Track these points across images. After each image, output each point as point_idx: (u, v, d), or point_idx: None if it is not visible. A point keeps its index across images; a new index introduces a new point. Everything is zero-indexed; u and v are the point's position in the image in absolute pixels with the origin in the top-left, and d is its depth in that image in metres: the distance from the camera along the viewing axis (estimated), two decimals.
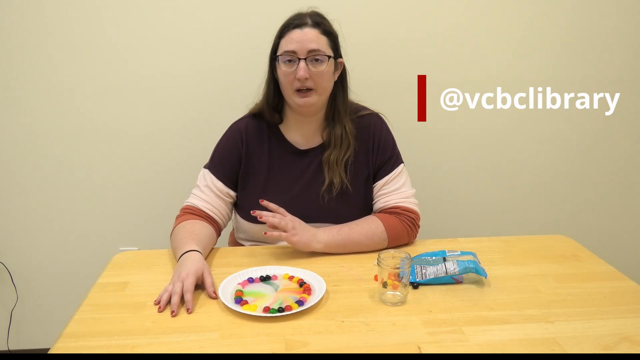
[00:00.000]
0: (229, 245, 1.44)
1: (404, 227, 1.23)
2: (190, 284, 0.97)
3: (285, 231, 1.13)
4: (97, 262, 1.17)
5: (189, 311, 0.94)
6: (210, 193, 1.26)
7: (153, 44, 1.60)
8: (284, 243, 1.21)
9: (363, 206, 1.30)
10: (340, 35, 1.25)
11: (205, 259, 1.13)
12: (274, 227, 1.14)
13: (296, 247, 1.15)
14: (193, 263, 1.03)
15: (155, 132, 1.68)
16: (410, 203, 1.27)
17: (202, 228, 1.19)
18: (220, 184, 1.27)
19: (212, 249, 1.22)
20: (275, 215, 1.15)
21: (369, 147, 1.29)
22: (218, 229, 1.28)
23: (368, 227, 1.21)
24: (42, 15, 1.55)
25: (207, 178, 1.27)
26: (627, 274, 1.09)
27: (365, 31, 1.63)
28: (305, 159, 1.28)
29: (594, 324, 0.91)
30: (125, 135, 1.68)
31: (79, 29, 1.57)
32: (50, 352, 0.84)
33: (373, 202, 1.31)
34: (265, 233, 1.13)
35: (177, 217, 1.25)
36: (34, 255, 1.76)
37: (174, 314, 0.93)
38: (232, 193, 1.29)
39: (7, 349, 1.85)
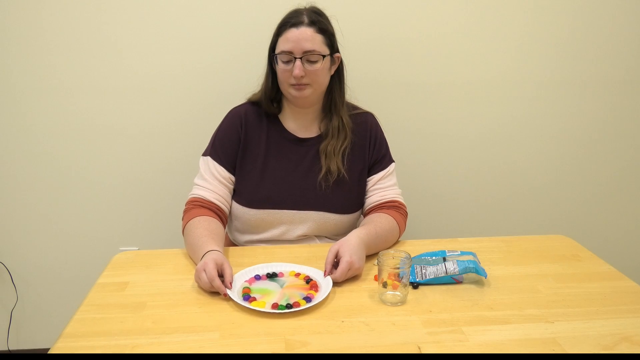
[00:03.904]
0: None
1: (404, 220, 1.29)
2: (212, 269, 0.98)
3: (348, 268, 1.05)
4: (97, 262, 1.17)
5: (225, 295, 0.97)
6: (214, 181, 1.27)
7: (151, 42, 1.60)
8: (283, 236, 1.27)
9: (356, 198, 1.32)
10: (338, 31, 1.28)
11: None
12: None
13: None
14: (213, 259, 1.01)
15: (155, 131, 1.68)
16: (402, 199, 1.33)
17: (217, 227, 1.19)
18: (221, 169, 1.28)
19: None
20: (341, 269, 1.04)
21: (365, 142, 1.32)
22: (225, 219, 1.29)
23: (387, 222, 1.23)
24: (40, 14, 1.55)
25: (210, 165, 1.28)
26: (627, 274, 1.10)
27: (362, 27, 1.62)
28: (303, 148, 1.31)
29: (594, 324, 0.91)
30: (125, 134, 1.67)
31: (76, 27, 1.57)
32: (50, 352, 0.83)
33: (367, 195, 1.33)
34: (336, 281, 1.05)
35: (185, 210, 1.25)
36: (34, 255, 1.76)
37: (226, 296, 0.97)
38: (233, 178, 1.30)
39: (7, 349, 1.85)
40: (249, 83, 1.37)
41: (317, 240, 1.31)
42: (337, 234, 1.32)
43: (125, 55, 1.61)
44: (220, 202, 1.26)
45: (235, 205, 1.30)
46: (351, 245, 1.07)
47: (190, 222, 1.19)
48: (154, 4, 1.57)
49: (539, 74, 1.73)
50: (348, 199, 1.30)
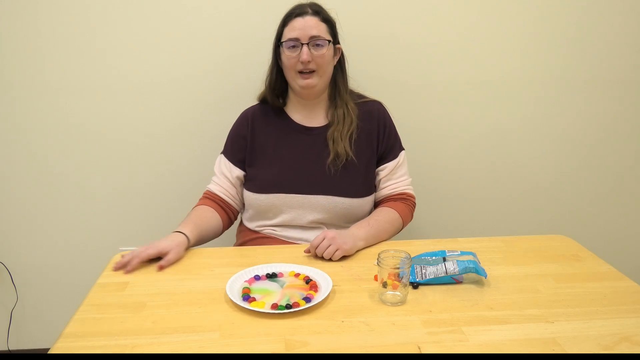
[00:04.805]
0: (237, 236, 1.46)
1: (410, 210, 1.37)
2: (142, 251, 1.11)
3: (330, 244, 1.14)
4: (97, 262, 1.17)
5: (125, 271, 1.09)
6: (221, 176, 1.38)
7: (151, 43, 1.60)
8: (294, 222, 1.32)
9: (364, 182, 1.35)
10: (338, 24, 1.35)
11: (201, 243, 1.27)
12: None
13: (348, 253, 1.16)
14: (167, 240, 1.15)
15: (155, 132, 1.68)
16: (412, 190, 1.40)
17: (209, 218, 1.31)
18: (230, 165, 1.38)
19: (218, 237, 1.37)
20: (314, 241, 1.16)
21: (372, 129, 1.36)
22: (232, 213, 1.39)
23: (387, 215, 1.30)
24: (36, 14, 1.55)
25: (221, 162, 1.40)
26: (627, 274, 1.10)
27: (361, 22, 1.63)
28: (310, 137, 1.36)
29: (594, 324, 0.91)
30: (125, 135, 1.67)
31: (74, 27, 1.57)
32: (50, 352, 0.83)
33: (380, 187, 1.38)
34: (320, 256, 1.15)
35: (200, 199, 1.38)
36: (34, 255, 1.76)
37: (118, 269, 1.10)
38: (240, 173, 1.38)
39: (7, 349, 1.85)
40: (249, 86, 1.40)
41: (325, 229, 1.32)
42: (348, 221, 1.33)
43: (124, 57, 1.61)
44: (225, 194, 1.37)
45: (247, 193, 1.36)
46: (337, 229, 1.19)
47: (193, 208, 1.34)
48: (155, 4, 1.57)
49: (539, 74, 1.73)
50: (356, 182, 1.33)
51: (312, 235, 1.31)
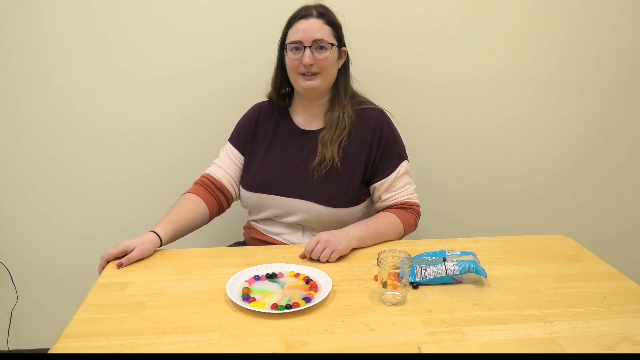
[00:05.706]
0: (245, 231, 1.47)
1: (413, 218, 1.35)
2: (108, 251, 1.14)
3: (325, 247, 1.15)
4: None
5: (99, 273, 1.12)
6: (227, 159, 1.40)
7: (151, 42, 1.60)
8: (278, 219, 1.34)
9: (345, 192, 1.31)
10: (344, 26, 1.34)
11: (182, 236, 1.28)
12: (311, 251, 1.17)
13: (343, 254, 1.16)
14: (136, 239, 1.16)
15: (155, 131, 1.68)
16: (415, 198, 1.37)
17: (190, 209, 1.30)
18: (235, 150, 1.41)
19: (206, 224, 1.38)
20: (308, 245, 1.17)
21: (365, 139, 1.33)
22: (225, 198, 1.39)
23: (388, 219, 1.29)
24: (37, 13, 1.55)
25: (227, 147, 1.43)
26: (627, 274, 1.10)
27: (367, 24, 1.63)
28: (305, 139, 1.36)
29: (594, 324, 0.91)
30: (124, 135, 1.67)
31: (74, 26, 1.57)
32: (50, 352, 0.84)
33: (380, 199, 1.35)
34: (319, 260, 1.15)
35: (193, 184, 1.39)
36: (34, 255, 1.76)
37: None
38: (243, 159, 1.41)
39: (7, 349, 1.85)
40: (253, 86, 1.40)
41: (303, 233, 1.33)
42: (326, 227, 1.29)
43: (128, 56, 1.61)
44: (226, 179, 1.39)
45: (241, 189, 1.40)
46: (332, 230, 1.19)
47: (179, 198, 1.34)
48: (153, 3, 1.57)
49: (538, 73, 1.73)
50: (337, 191, 1.30)
51: (291, 232, 1.34)
